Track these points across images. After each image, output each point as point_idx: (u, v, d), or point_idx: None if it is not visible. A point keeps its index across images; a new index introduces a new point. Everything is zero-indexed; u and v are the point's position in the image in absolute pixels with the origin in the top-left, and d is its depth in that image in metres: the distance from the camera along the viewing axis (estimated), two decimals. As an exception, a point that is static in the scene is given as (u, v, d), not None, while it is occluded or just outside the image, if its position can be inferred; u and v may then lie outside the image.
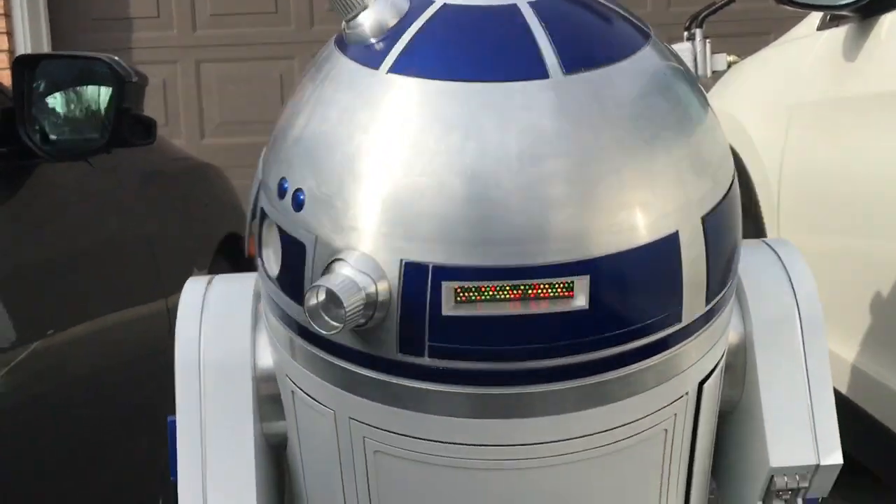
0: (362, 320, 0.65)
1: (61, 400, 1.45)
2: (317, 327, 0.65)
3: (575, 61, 0.67)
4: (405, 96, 0.66)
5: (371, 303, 0.64)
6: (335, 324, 0.64)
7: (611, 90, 0.67)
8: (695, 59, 3.50)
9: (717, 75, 3.46)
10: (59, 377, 1.45)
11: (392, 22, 0.69)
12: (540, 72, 0.66)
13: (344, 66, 0.70)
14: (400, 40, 0.68)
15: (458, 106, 0.65)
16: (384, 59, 0.67)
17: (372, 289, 0.64)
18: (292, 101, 0.75)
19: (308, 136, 0.70)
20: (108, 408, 1.61)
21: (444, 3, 0.69)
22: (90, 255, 1.61)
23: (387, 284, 0.65)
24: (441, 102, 0.65)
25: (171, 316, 1.79)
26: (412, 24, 0.68)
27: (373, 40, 0.69)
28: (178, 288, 1.84)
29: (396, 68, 0.67)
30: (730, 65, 3.50)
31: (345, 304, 0.63)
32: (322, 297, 0.63)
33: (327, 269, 0.66)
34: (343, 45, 0.72)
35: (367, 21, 0.69)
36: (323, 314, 0.64)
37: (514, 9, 0.69)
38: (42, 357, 1.39)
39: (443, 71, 0.66)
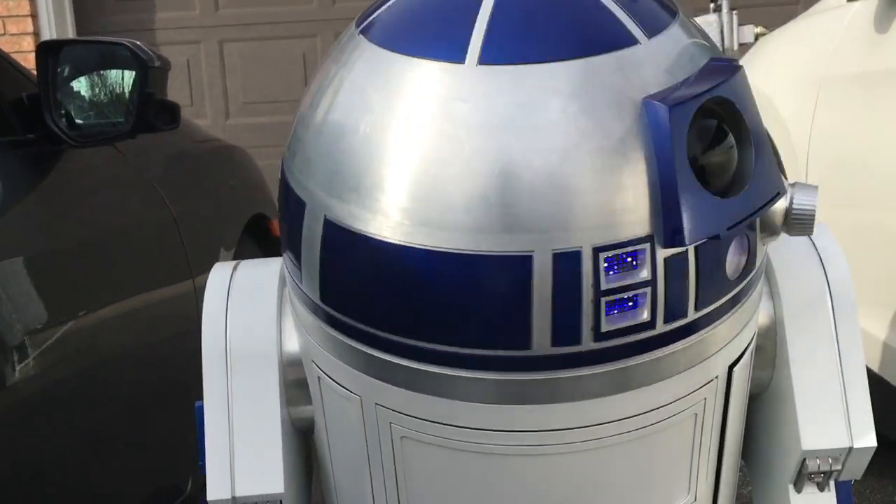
0: None
1: (93, 380, 1.47)
2: None
3: (651, 27, 0.67)
4: (503, 86, 0.64)
5: None
6: None
7: (678, 54, 0.67)
8: (721, 32, 3.48)
9: (743, 48, 3.41)
10: (90, 358, 1.47)
11: None
12: (631, 39, 0.66)
13: (396, 62, 0.68)
14: (475, 29, 0.66)
15: (553, 89, 0.64)
16: (466, 51, 0.65)
17: None
18: (315, 85, 0.74)
19: (337, 124, 0.69)
20: (138, 388, 1.63)
21: None
22: (118, 238, 1.62)
23: None
24: (547, 86, 0.64)
25: (198, 296, 1.81)
26: (478, 9, 0.66)
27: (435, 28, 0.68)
28: (205, 268, 1.85)
29: (486, 59, 0.65)
30: (757, 37, 3.46)
31: None
32: None
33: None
34: (380, 35, 0.70)
35: None
36: None
37: None
38: (73, 338, 1.41)
39: (537, 54, 0.65)
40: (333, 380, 0.78)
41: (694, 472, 0.80)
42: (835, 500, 0.88)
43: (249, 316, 0.87)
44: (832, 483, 0.87)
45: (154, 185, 1.76)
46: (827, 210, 1.86)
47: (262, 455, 0.84)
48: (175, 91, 4.37)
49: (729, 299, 0.71)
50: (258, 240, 2.36)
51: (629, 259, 0.65)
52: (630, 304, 0.66)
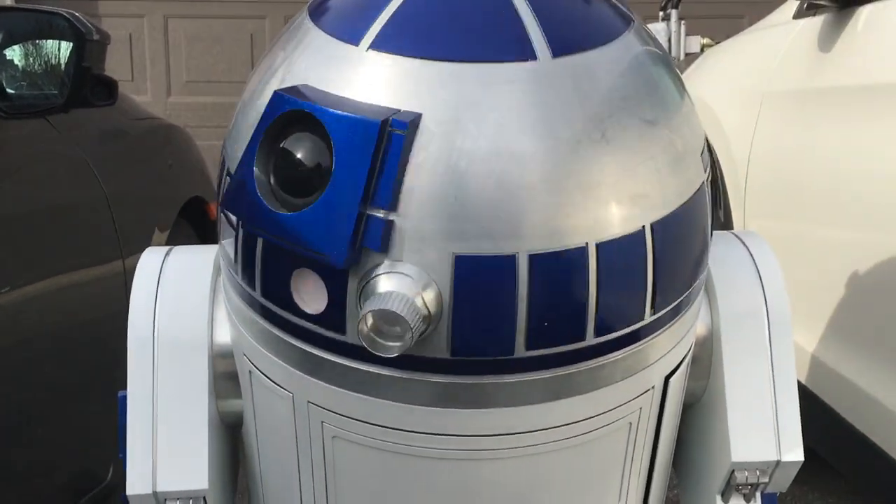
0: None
1: (12, 360, 1.42)
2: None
3: (562, 44, 0.65)
4: (384, 73, 0.64)
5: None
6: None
7: (591, 76, 0.65)
8: (669, 41, 3.53)
9: (690, 58, 3.47)
10: (11, 337, 1.42)
11: None
12: (528, 53, 0.64)
13: (320, 39, 0.67)
14: (381, 16, 0.65)
15: (439, 85, 0.63)
16: (364, 35, 0.65)
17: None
18: (260, 71, 0.72)
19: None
20: (60, 370, 1.58)
21: None
22: (46, 214, 1.57)
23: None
24: (421, 81, 0.63)
25: (127, 278, 1.76)
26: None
27: (350, 13, 0.67)
28: (137, 250, 1.80)
29: (377, 44, 0.64)
30: (703, 48, 3.52)
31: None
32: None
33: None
34: (319, 15, 0.69)
35: None
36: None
37: None
38: (-5, 316, 1.36)
39: (425, 49, 0.64)
40: (265, 375, 0.76)
41: (626, 480, 0.81)
42: None
43: (180, 304, 0.84)
44: (758, 495, 0.89)
45: (87, 162, 1.70)
46: (763, 220, 1.91)
47: (187, 449, 0.82)
48: (116, 65, 4.24)
49: (670, 309, 0.71)
50: (194, 223, 2.31)
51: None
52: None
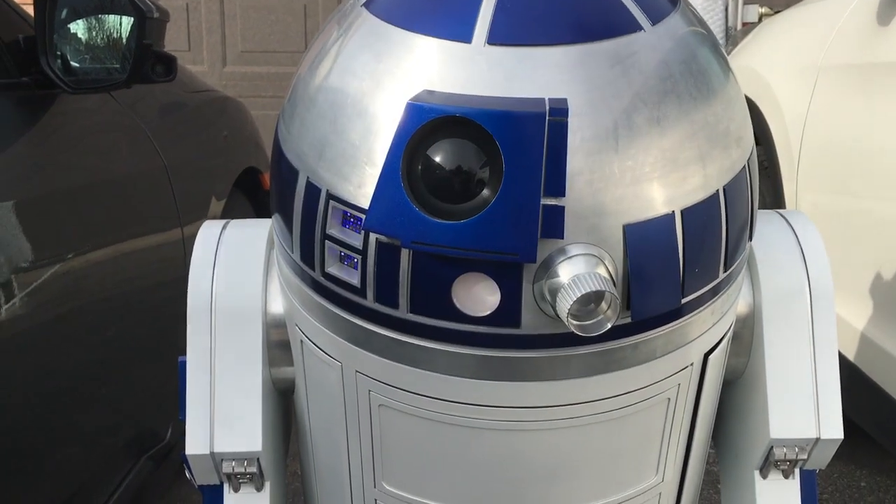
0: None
1: (77, 323, 1.48)
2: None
3: (655, 13, 0.67)
4: (509, 66, 0.64)
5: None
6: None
7: (637, 57, 0.67)
8: (726, 10, 3.46)
9: (747, 27, 3.42)
10: (76, 301, 1.48)
11: None
12: (635, 25, 0.66)
13: (403, 39, 0.67)
14: (481, 10, 0.65)
15: (568, 69, 0.64)
16: (473, 31, 0.65)
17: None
18: (315, 50, 0.74)
19: (331, 94, 0.69)
20: (123, 333, 1.64)
21: None
22: (108, 184, 1.62)
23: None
24: (549, 67, 0.64)
25: (186, 245, 1.82)
26: None
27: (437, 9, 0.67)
28: (195, 218, 1.86)
29: (494, 39, 0.64)
30: (761, 17, 3.46)
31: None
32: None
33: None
34: (386, 12, 0.69)
35: None
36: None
37: None
38: (60, 280, 1.42)
39: (543, 35, 0.65)
40: (316, 345, 0.79)
41: (663, 455, 0.82)
42: (798, 487, 0.91)
43: (236, 275, 0.87)
44: (797, 471, 0.90)
45: (147, 133, 1.75)
46: (814, 194, 1.88)
47: (242, 413, 0.85)
48: (173, 36, 4.31)
49: (711, 288, 0.72)
50: (248, 193, 2.36)
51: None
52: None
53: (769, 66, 2.23)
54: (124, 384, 1.65)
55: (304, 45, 4.54)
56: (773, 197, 2.14)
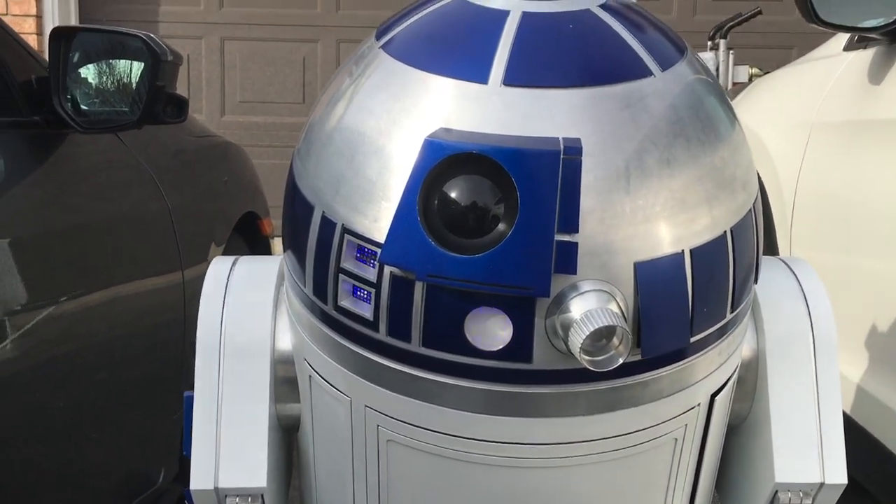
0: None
1: (71, 365, 1.46)
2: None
3: (664, 59, 0.70)
4: (525, 106, 0.66)
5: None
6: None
7: (647, 101, 0.69)
8: (717, 70, 3.55)
9: (738, 87, 3.49)
10: (71, 343, 1.47)
11: None
12: (645, 71, 0.68)
13: (422, 80, 0.69)
14: (498, 51, 0.67)
15: (581, 110, 0.66)
16: (489, 73, 0.66)
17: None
18: (332, 92, 0.76)
19: (348, 131, 0.71)
20: (117, 375, 1.63)
21: (523, 11, 0.69)
22: (112, 224, 1.63)
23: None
24: (563, 108, 0.66)
25: (185, 288, 1.82)
26: (500, 33, 0.68)
27: (454, 51, 0.69)
28: (195, 261, 1.87)
29: (509, 80, 0.66)
30: (752, 77, 3.54)
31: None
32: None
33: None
34: (405, 54, 0.71)
35: None
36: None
37: (589, 13, 0.70)
38: (56, 322, 1.41)
39: (558, 78, 0.66)
40: (325, 379, 0.80)
41: (669, 496, 0.82)
42: None
43: (245, 312, 0.88)
44: None
45: (152, 175, 1.77)
46: (808, 251, 1.90)
47: (248, 449, 0.85)
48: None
49: (717, 329, 0.73)
50: (247, 237, 2.37)
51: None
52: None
53: (762, 123, 2.28)
54: (117, 427, 1.64)
55: (302, 96, 4.60)
56: (769, 251, 2.16)
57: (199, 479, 0.85)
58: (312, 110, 0.79)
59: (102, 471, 1.62)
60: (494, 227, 0.63)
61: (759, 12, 3.47)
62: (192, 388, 0.88)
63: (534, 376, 0.69)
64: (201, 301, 0.89)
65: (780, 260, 0.95)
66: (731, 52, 3.40)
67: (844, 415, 1.67)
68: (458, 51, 0.70)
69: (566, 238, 0.64)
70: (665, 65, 0.70)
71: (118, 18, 4.55)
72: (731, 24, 3.43)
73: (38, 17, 4.30)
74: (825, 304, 0.89)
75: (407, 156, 0.67)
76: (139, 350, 1.70)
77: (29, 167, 1.42)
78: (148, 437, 1.73)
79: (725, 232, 0.70)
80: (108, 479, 1.65)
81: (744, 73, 3.42)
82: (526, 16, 0.69)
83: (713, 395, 0.79)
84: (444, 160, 0.62)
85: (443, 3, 0.74)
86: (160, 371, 1.75)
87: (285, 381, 0.87)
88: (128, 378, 1.66)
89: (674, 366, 0.72)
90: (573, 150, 0.63)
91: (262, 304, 0.88)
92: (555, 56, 0.68)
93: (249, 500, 0.86)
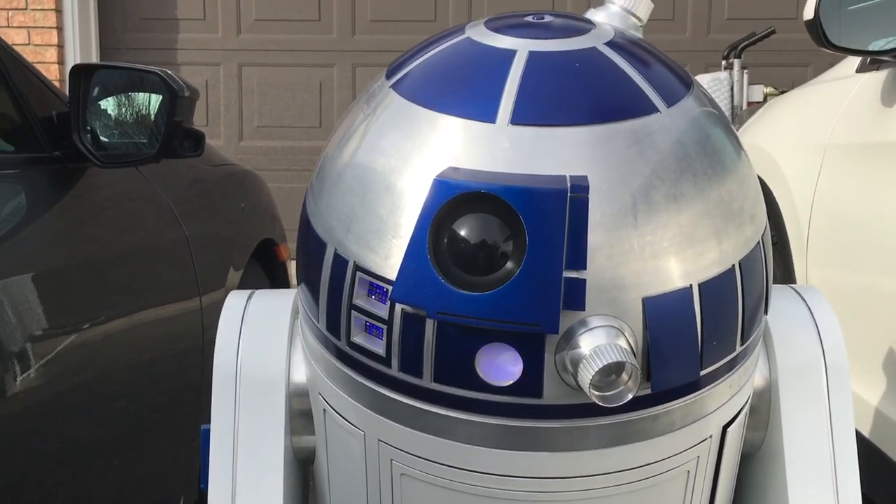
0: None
1: (91, 393, 1.48)
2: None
3: (669, 95, 0.71)
4: (532, 144, 0.67)
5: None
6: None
7: (654, 137, 0.70)
8: (731, 89, 3.55)
9: (753, 107, 3.47)
10: (91, 371, 1.49)
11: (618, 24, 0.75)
12: (651, 107, 0.69)
13: (429, 119, 0.70)
14: (505, 91, 0.68)
15: (588, 148, 0.67)
16: (497, 112, 0.68)
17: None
18: (343, 129, 0.77)
19: (359, 169, 0.73)
20: (137, 403, 1.64)
21: (530, 51, 0.71)
22: (131, 254, 1.65)
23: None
24: (570, 146, 0.67)
25: (204, 315, 1.84)
26: (507, 73, 0.69)
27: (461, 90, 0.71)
28: (213, 288, 1.89)
29: (517, 119, 0.67)
30: (766, 96, 3.53)
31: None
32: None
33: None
34: (416, 93, 0.72)
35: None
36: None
37: (594, 51, 0.71)
38: (77, 350, 1.43)
39: (564, 117, 0.68)
40: (339, 413, 0.80)
41: None
42: None
43: (261, 345, 0.89)
44: None
45: (169, 204, 1.80)
46: (825, 270, 1.90)
47: (263, 482, 0.86)
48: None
49: (728, 361, 0.74)
50: (264, 264, 2.39)
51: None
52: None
53: (777, 144, 2.28)
54: (137, 455, 1.65)
55: (319, 120, 4.64)
56: (784, 273, 2.16)
57: None
58: (325, 148, 0.80)
59: (123, 498, 1.63)
60: (503, 264, 0.64)
61: (773, 32, 3.48)
62: (209, 419, 0.89)
63: (545, 411, 0.70)
64: (217, 335, 0.90)
65: (792, 288, 0.95)
66: (745, 71, 3.41)
67: (862, 437, 1.66)
68: (466, 90, 0.72)
69: (574, 275, 0.64)
70: (671, 101, 0.71)
71: (138, 47, 4.62)
72: (745, 43, 3.44)
73: (60, 46, 4.38)
74: (837, 333, 0.90)
75: (417, 194, 0.68)
76: (159, 377, 1.72)
77: (50, 201, 1.44)
78: (168, 465, 1.74)
79: (734, 265, 0.71)
80: (127, 507, 1.66)
81: (758, 92, 3.42)
82: (532, 55, 0.70)
83: (725, 427, 0.79)
84: (453, 199, 0.64)
85: (451, 42, 0.76)
86: (179, 397, 1.77)
87: (301, 414, 0.88)
88: (148, 405, 1.68)
89: (685, 399, 0.72)
90: (580, 188, 0.64)
91: (278, 339, 0.89)
92: (561, 95, 0.69)
93: None
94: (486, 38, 0.73)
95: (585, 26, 0.74)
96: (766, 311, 0.78)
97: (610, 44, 0.73)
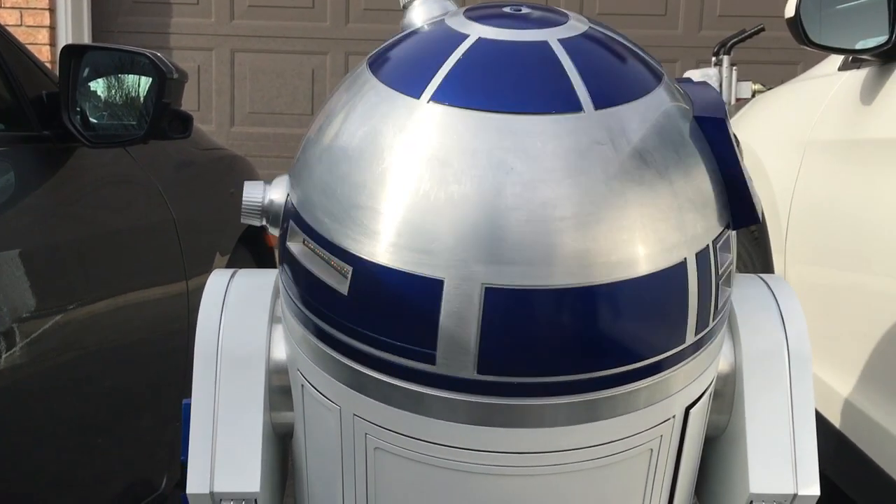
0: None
1: (76, 373, 1.49)
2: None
3: (603, 98, 0.72)
4: (442, 122, 0.70)
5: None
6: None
7: (625, 127, 0.72)
8: (720, 85, 3.57)
9: (741, 103, 3.49)
10: (76, 351, 1.50)
11: (438, 13, 0.76)
12: (574, 105, 0.71)
13: (380, 91, 0.74)
14: (439, 71, 0.72)
15: (494, 133, 0.69)
16: (425, 88, 0.71)
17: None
18: (323, 117, 0.80)
19: (337, 155, 0.75)
20: (121, 383, 1.66)
21: (479, 38, 0.73)
22: (119, 235, 1.66)
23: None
24: (478, 130, 0.69)
25: (190, 297, 1.85)
26: (450, 55, 0.72)
27: (409, 69, 0.74)
28: (200, 271, 1.90)
29: (437, 97, 0.71)
30: (755, 93, 3.55)
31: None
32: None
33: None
34: (378, 68, 0.77)
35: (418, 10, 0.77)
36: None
37: (545, 45, 0.73)
38: (63, 329, 1.44)
39: (480, 101, 0.70)
40: (316, 389, 0.83)
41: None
42: None
43: (242, 322, 0.91)
44: None
45: (158, 187, 1.81)
46: (802, 265, 1.93)
47: (242, 455, 0.88)
48: (184, 95, 4.41)
49: (692, 343, 0.76)
50: (252, 249, 2.41)
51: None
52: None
53: (759, 140, 2.31)
54: (121, 434, 1.67)
55: (311, 107, 4.65)
56: (763, 267, 2.19)
57: (196, 483, 0.88)
58: (307, 131, 0.83)
59: (107, 476, 1.65)
60: None
61: (763, 29, 3.49)
62: (190, 396, 0.91)
63: (516, 388, 0.73)
64: (200, 312, 0.92)
65: (759, 277, 0.98)
66: (734, 68, 3.42)
67: (833, 429, 1.70)
68: (411, 68, 0.75)
69: None
70: (606, 104, 0.71)
71: (130, 30, 4.61)
72: (734, 40, 3.45)
73: (52, 28, 4.36)
74: (801, 322, 0.92)
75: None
76: (145, 358, 1.73)
77: (39, 180, 1.46)
78: (152, 444, 1.76)
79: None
80: (112, 484, 1.68)
81: (747, 89, 3.44)
82: (479, 42, 0.73)
83: (688, 408, 0.82)
84: None
85: (429, 27, 0.79)
86: (165, 378, 1.78)
87: (280, 391, 0.91)
88: (133, 385, 1.69)
89: (649, 379, 0.75)
90: None
91: (259, 316, 0.91)
92: (483, 81, 0.72)
93: (243, 503, 0.89)
94: (456, 24, 0.76)
95: (557, 19, 0.76)
96: (723, 307, 0.80)
97: (567, 40, 0.74)
